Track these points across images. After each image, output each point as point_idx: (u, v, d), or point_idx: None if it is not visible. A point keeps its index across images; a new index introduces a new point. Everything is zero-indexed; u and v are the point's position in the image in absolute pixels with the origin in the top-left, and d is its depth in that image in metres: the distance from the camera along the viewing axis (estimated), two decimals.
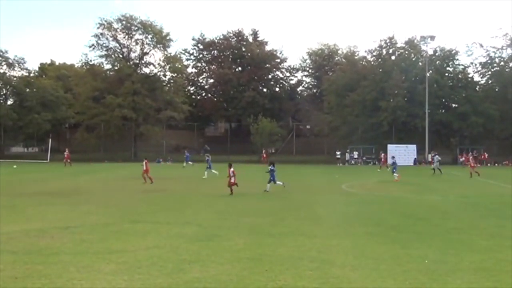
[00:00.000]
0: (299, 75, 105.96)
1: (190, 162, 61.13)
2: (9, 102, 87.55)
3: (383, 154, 66.35)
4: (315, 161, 74.05)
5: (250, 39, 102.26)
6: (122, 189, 33.16)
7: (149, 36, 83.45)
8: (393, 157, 48.41)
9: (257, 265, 12.48)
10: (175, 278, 11.34)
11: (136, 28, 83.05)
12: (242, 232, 17.12)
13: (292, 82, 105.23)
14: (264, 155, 73.36)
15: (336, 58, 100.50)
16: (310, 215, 21.80)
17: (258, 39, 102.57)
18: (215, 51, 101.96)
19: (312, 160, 74.73)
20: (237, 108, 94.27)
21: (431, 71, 76.37)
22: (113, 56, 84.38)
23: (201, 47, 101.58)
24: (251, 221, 19.83)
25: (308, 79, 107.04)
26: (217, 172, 42.82)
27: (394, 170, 42.95)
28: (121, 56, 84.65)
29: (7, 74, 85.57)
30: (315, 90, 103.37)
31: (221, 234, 16.68)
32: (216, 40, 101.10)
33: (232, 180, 29.97)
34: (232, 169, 30.13)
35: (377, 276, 11.64)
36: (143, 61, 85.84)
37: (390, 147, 72.04)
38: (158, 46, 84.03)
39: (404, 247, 14.83)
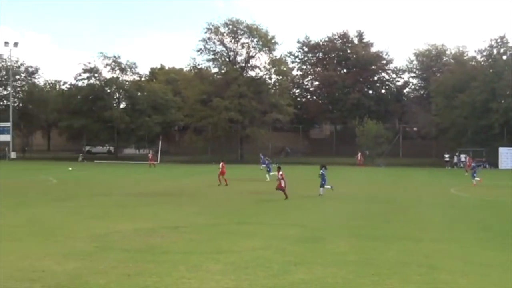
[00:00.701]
0: (405, 76, 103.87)
1: (264, 166, 60.46)
2: (122, 105, 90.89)
3: (468, 158, 64.25)
4: (423, 164, 72.29)
5: (356, 40, 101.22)
6: (228, 191, 33.66)
7: (255, 40, 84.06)
8: (474, 161, 46.99)
9: (362, 268, 12.41)
10: (281, 279, 11.45)
11: (242, 32, 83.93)
12: (347, 235, 17.06)
13: (399, 83, 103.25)
14: (359, 158, 72.23)
15: (444, 59, 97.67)
16: (416, 218, 21.42)
17: (364, 40, 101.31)
18: (320, 53, 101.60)
19: (419, 163, 72.99)
20: (342, 110, 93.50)
21: None
22: (220, 59, 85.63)
23: (306, 49, 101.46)
24: (356, 223, 19.73)
25: (415, 81, 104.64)
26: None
27: (475, 174, 41.45)
28: (227, 59, 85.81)
29: (120, 79, 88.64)
30: (422, 92, 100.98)
31: (326, 236, 16.70)
32: (321, 43, 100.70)
33: (282, 184, 28.77)
34: (280, 173, 29.15)
35: (488, 283, 11.32)
36: (249, 64, 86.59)
37: (502, 150, 69.38)
38: (264, 49, 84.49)
39: None
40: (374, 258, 13.55)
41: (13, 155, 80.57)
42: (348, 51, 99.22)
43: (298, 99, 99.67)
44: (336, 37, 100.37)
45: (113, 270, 12.21)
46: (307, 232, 17.72)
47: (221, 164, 38.96)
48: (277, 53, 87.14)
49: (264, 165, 59.33)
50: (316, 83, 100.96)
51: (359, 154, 73.74)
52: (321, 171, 30.68)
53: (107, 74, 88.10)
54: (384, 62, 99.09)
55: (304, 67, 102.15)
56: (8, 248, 14.64)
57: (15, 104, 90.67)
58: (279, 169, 29.85)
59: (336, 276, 11.69)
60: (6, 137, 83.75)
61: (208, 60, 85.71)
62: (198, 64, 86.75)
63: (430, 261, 13.24)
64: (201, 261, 13.13)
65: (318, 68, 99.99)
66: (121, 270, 12.28)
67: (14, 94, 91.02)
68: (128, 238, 16.51)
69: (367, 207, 25.19)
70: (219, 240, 16.23)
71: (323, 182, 30.40)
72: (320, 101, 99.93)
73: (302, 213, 23.05)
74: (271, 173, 43.19)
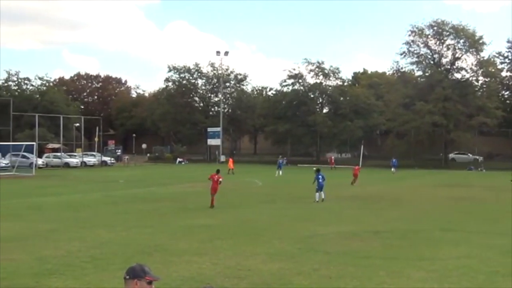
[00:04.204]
0: None
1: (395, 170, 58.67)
2: (325, 110, 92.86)
3: None
4: None
5: None
6: (431, 196, 32.99)
7: (461, 41, 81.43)
8: None
9: None
10: None
11: (448, 33, 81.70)
12: None
13: None
14: None
15: None
16: None
17: None
18: None
19: None
20: None
21: None
22: (423, 62, 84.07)
23: None
24: None
25: None
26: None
27: None
28: (431, 62, 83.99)
29: (323, 84, 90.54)
30: None
31: None
32: None
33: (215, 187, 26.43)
34: (217, 176, 27.16)
35: None
36: (454, 67, 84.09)
37: None
38: (471, 50, 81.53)
39: None
40: None
41: (222, 158, 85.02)
42: None
43: (508, 101, 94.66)
44: None
45: (315, 272, 12.66)
46: None
47: (357, 167, 44.29)
48: (485, 53, 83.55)
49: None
50: None
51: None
52: (315, 175, 29.78)
53: (310, 79, 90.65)
54: None
55: None
56: (219, 246, 15.75)
57: (225, 110, 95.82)
58: (217, 171, 27.97)
59: None
60: (217, 141, 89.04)
61: (412, 63, 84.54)
62: (401, 68, 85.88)
63: None
64: (402, 267, 13.16)
65: None
66: (323, 272, 12.69)
67: (224, 100, 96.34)
68: (330, 241, 16.93)
69: None
70: (422, 246, 16.09)
71: (317, 187, 29.30)
72: None
73: None
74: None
